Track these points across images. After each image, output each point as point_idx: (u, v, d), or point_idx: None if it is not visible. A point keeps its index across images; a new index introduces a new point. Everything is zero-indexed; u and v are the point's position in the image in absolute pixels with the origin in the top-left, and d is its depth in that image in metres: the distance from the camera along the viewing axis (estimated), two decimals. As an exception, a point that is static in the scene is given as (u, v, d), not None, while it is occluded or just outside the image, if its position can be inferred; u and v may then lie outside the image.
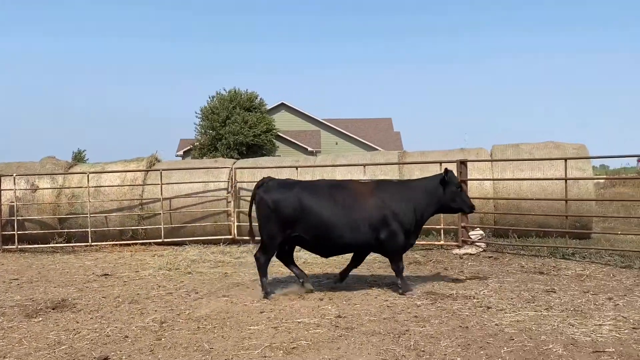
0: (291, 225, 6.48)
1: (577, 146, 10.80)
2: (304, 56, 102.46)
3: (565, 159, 9.04)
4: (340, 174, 11.14)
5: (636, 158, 25.22)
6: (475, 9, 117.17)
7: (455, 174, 9.61)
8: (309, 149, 38.97)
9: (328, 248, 6.68)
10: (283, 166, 11.62)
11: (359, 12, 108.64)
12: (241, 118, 34.78)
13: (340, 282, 7.04)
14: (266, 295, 6.51)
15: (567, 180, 9.11)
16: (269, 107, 40.62)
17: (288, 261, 6.97)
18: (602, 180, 20.72)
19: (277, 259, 6.98)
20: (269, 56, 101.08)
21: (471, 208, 6.83)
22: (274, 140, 37.15)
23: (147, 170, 11.93)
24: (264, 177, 6.96)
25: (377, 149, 38.59)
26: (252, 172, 11.58)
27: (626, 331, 4.92)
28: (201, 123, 36.68)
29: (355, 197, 6.50)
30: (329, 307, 5.99)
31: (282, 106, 44.22)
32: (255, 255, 6.80)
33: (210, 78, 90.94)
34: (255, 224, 6.91)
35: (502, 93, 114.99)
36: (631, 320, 5.23)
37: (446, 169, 6.73)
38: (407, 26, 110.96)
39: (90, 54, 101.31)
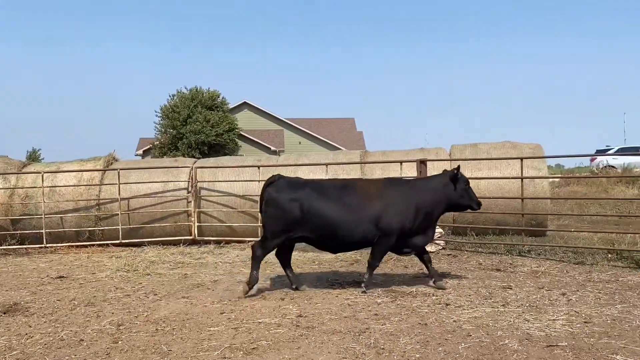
0: (298, 226, 6.45)
1: (533, 146, 11.08)
2: (267, 55, 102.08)
3: (522, 159, 9.27)
4: (302, 174, 11.12)
5: (589, 157, 26.11)
6: (436, 12, 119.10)
7: (416, 174, 9.80)
8: (272, 148, 38.90)
9: (336, 247, 6.75)
10: (245, 165, 11.55)
11: (321, 13, 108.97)
12: (203, 117, 34.42)
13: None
14: (251, 289, 6.46)
15: (524, 179, 9.35)
16: (231, 106, 40.33)
17: (285, 262, 6.91)
18: (557, 179, 21.32)
19: (269, 257, 6.96)
20: (232, 55, 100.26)
21: (479, 205, 6.88)
22: (237, 140, 36.92)
23: (104, 170, 11.66)
24: (273, 175, 6.89)
25: (340, 149, 38.77)
26: (213, 171, 11.47)
27: (578, 325, 5.07)
28: (161, 122, 36.14)
29: (363, 197, 6.53)
30: (290, 307, 5.98)
31: (244, 105, 43.98)
32: (252, 246, 6.70)
33: (171, 76, 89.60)
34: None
35: (463, 93, 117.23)
36: (583, 315, 5.40)
37: (458, 167, 6.76)
38: (369, 27, 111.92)
39: (46, 50, 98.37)
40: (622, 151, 26.85)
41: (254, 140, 39.20)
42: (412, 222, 6.51)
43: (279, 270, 7.37)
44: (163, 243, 11.03)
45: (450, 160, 10.87)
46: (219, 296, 6.60)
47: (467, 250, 9.43)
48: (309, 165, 11.16)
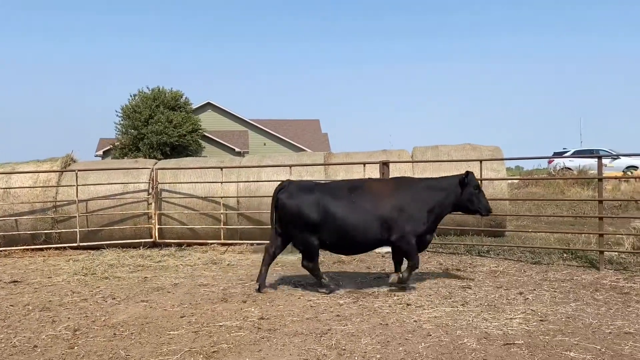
0: (313, 229, 6.46)
1: (492, 148, 11.32)
2: (232, 55, 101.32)
3: (481, 161, 9.46)
4: (266, 175, 11.10)
5: (547, 160, 26.83)
6: (402, 12, 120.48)
7: (378, 175, 9.88)
8: (237, 149, 38.57)
9: (350, 249, 6.80)
10: (207, 167, 11.42)
11: (287, 11, 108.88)
12: (165, 117, 33.88)
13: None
14: (331, 291, 6.57)
15: (483, 181, 9.53)
16: (194, 106, 39.82)
17: (268, 260, 6.86)
18: (515, 181, 21.83)
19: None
20: (196, 55, 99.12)
21: (488, 211, 6.82)
22: (200, 141, 36.47)
23: (62, 171, 11.34)
24: (283, 181, 6.88)
25: (305, 150, 38.78)
26: (174, 173, 11.29)
27: (534, 323, 5.20)
28: (122, 122, 35.39)
29: (375, 198, 6.56)
30: (252, 309, 5.94)
31: (208, 106, 43.49)
32: (303, 265, 6.77)
33: (133, 76, 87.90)
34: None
35: (428, 95, 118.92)
36: (539, 313, 5.54)
37: (467, 171, 6.74)
38: (335, 27, 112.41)
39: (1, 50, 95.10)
40: (578, 154, 27.71)
41: (217, 141, 38.77)
42: (426, 222, 6.58)
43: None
44: (122, 246, 10.79)
45: (412, 162, 11.01)
46: (180, 300, 6.50)
47: (428, 251, 9.53)
48: (273, 166, 11.12)
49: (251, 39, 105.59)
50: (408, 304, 5.98)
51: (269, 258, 6.83)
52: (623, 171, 25.14)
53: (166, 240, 10.82)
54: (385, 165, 9.97)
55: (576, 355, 4.33)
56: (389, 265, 8.32)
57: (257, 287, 6.74)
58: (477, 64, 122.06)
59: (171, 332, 5.19)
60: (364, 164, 10.30)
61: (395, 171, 10.64)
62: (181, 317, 5.75)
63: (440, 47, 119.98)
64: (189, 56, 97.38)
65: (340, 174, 11.07)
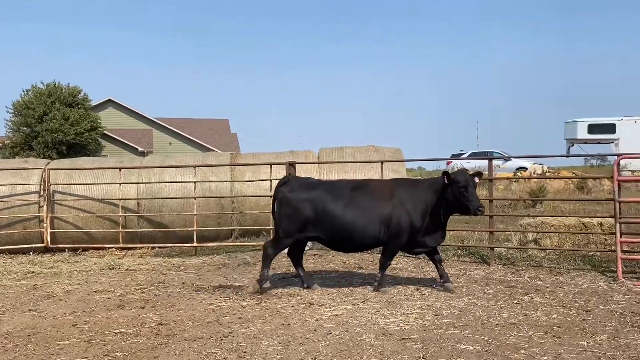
0: (311, 226, 6.53)
1: (393, 150, 11.74)
2: (137, 52, 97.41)
3: (382, 162, 9.76)
4: (168, 176, 10.77)
5: (445, 161, 28.24)
6: (312, 15, 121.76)
7: (285, 175, 9.90)
8: (140, 149, 37.13)
9: (348, 247, 6.83)
10: (105, 167, 10.88)
11: (197, 8, 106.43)
12: (61, 114, 31.88)
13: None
14: (260, 289, 6.55)
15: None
16: (94, 103, 37.88)
17: (297, 260, 6.95)
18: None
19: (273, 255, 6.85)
20: (98, 48, 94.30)
21: (477, 209, 6.40)
22: (100, 140, 34.70)
23: (-61, 172, 10.35)
24: (285, 175, 6.90)
25: (214, 150, 38.08)
26: (69, 173, 10.65)
27: (429, 318, 5.44)
28: (13, 119, 32.90)
29: (375, 198, 6.56)
30: (151, 315, 5.74)
31: (109, 103, 41.51)
32: (264, 245, 6.86)
33: (27, 71, 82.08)
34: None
35: (337, 96, 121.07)
36: (434, 308, 5.80)
37: (443, 172, 6.63)
38: (244, 27, 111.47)
39: None
40: (474, 155, 29.47)
41: (119, 140, 37.11)
42: (420, 222, 6.57)
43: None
44: (10, 252, 10.02)
45: (319, 163, 11.15)
46: (72, 307, 6.16)
47: (332, 250, 9.68)
48: (176, 167, 10.82)
49: (159, 34, 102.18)
50: (311, 303, 6.04)
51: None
52: (514, 172, 26.93)
53: (60, 245, 10.17)
54: (291, 166, 10.03)
55: (466, 347, 4.57)
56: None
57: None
58: (384, 67, 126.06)
59: (61, 342, 4.90)
60: (270, 164, 10.28)
61: (301, 172, 10.72)
62: (73, 325, 5.45)
63: (351, 51, 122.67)
64: (89, 50, 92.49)
65: (248, 175, 10.99)
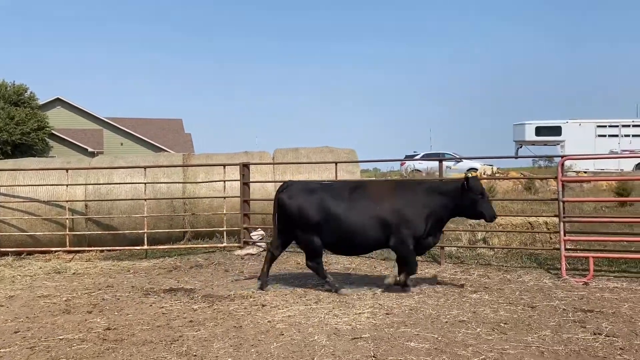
0: (315, 229, 6.47)
1: (347, 151, 11.81)
2: (88, 50, 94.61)
3: (336, 163, 9.80)
4: (118, 177, 10.50)
5: (399, 162, 28.65)
6: (269, 10, 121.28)
7: (238, 176, 9.83)
8: (90, 149, 36.08)
9: (350, 250, 6.85)
10: (51, 168, 10.52)
11: (148, 6, 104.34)
12: (6, 113, 30.71)
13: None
14: (337, 290, 6.52)
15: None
16: (42, 102, 36.63)
17: (271, 258, 6.90)
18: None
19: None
20: (45, 46, 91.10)
21: (491, 218, 6.61)
22: (47, 140, 33.58)
23: None
24: (285, 181, 6.80)
25: (167, 151, 37.38)
26: (12, 174, 10.24)
27: (381, 317, 5.49)
28: (-47, 118, 31.45)
29: (375, 200, 6.49)
30: (98, 320, 5.58)
31: (57, 102, 40.19)
32: (307, 265, 6.80)
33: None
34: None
35: (296, 97, 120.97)
36: (385, 307, 5.86)
37: (467, 177, 6.58)
38: (199, 22, 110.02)
39: None
40: (427, 157, 30.03)
41: (68, 141, 35.95)
42: (425, 225, 6.53)
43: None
44: (-52, 257, 9.56)
45: (273, 164, 11.10)
46: (15, 313, 5.93)
47: (287, 251, 9.60)
48: (126, 168, 10.56)
49: (109, 33, 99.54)
50: (263, 305, 6.00)
51: (271, 257, 6.91)
52: (465, 173, 27.61)
53: (2, 249, 9.78)
54: (245, 166, 9.96)
55: (416, 345, 4.64)
56: (248, 268, 8.31)
57: (259, 285, 6.74)
58: (339, 68, 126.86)
59: (1, 350, 4.70)
60: (224, 165, 10.18)
61: (256, 173, 10.67)
62: (15, 332, 5.24)
63: (307, 49, 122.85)
64: (36, 47, 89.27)
65: (201, 176, 10.83)
